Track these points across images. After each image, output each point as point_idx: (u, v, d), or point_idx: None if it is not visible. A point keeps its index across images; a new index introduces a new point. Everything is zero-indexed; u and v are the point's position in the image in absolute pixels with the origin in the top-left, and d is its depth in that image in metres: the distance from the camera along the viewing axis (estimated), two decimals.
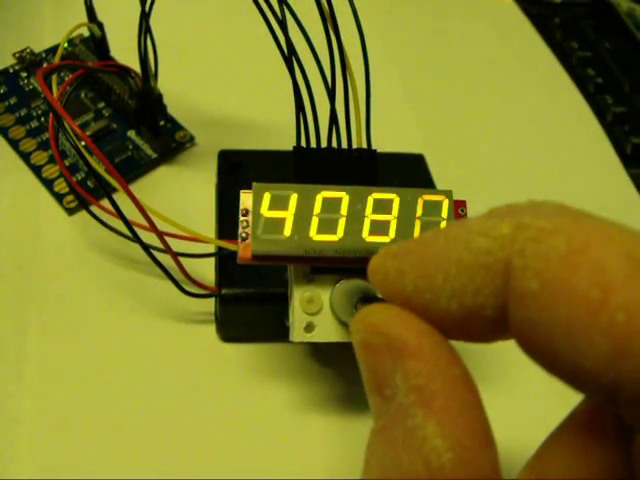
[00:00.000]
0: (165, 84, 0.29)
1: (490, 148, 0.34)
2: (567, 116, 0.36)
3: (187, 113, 0.32)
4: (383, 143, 0.22)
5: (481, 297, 0.12)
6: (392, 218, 0.20)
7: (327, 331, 0.20)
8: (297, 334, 0.20)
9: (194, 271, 0.23)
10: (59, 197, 0.28)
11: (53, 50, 0.34)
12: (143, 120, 0.30)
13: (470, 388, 0.13)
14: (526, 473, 0.13)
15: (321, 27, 0.20)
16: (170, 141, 0.31)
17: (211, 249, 0.24)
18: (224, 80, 0.34)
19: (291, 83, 0.20)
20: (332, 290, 0.20)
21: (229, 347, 0.25)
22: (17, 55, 0.33)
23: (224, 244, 0.23)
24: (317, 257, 0.20)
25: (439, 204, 0.20)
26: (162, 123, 0.30)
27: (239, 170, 0.27)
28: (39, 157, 0.29)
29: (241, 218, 0.20)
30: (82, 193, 0.25)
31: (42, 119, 0.31)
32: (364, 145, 0.22)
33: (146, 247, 0.22)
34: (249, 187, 0.20)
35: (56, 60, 0.25)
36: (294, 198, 0.20)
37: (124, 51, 0.30)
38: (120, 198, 0.22)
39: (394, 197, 0.20)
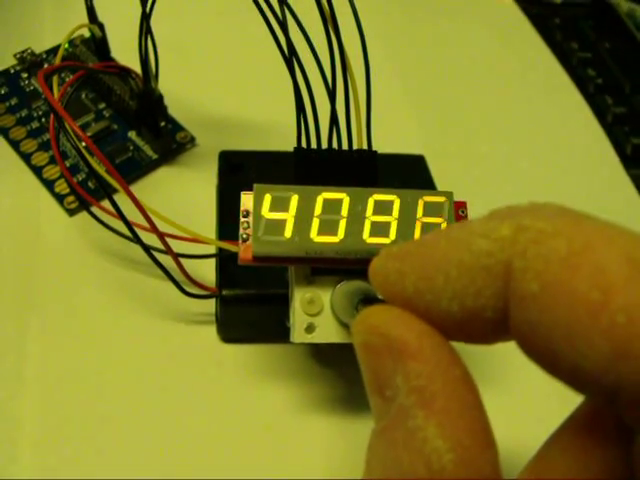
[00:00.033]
0: (166, 85, 0.29)
1: (490, 149, 0.34)
2: (567, 117, 0.37)
3: (188, 114, 0.32)
4: (383, 144, 0.22)
5: (482, 299, 0.12)
6: (393, 219, 0.20)
7: (328, 332, 0.20)
8: (298, 335, 0.20)
9: (195, 272, 0.23)
10: (60, 198, 0.28)
11: (54, 51, 0.34)
12: (144, 121, 0.30)
13: (471, 389, 0.13)
14: (526, 474, 0.13)
15: (321, 28, 0.20)
16: (171, 142, 0.31)
17: (212, 250, 0.24)
18: (225, 81, 0.34)
19: (291, 84, 0.20)
20: (333, 291, 0.20)
21: (230, 348, 0.25)
22: (18, 56, 0.33)
23: (225, 245, 0.23)
24: (318, 258, 0.20)
25: (440, 205, 0.20)
26: (163, 124, 0.30)
27: (240, 171, 0.27)
28: (40, 158, 0.29)
29: (242, 219, 0.20)
30: (83, 194, 0.25)
31: (43, 120, 0.31)
32: (364, 146, 0.22)
33: (147, 248, 0.22)
34: (250, 188, 0.20)
35: (57, 61, 0.25)
36: (295, 199, 0.20)
37: (125, 52, 0.30)
38: (121, 199, 0.22)
39: (394, 198, 0.20)
